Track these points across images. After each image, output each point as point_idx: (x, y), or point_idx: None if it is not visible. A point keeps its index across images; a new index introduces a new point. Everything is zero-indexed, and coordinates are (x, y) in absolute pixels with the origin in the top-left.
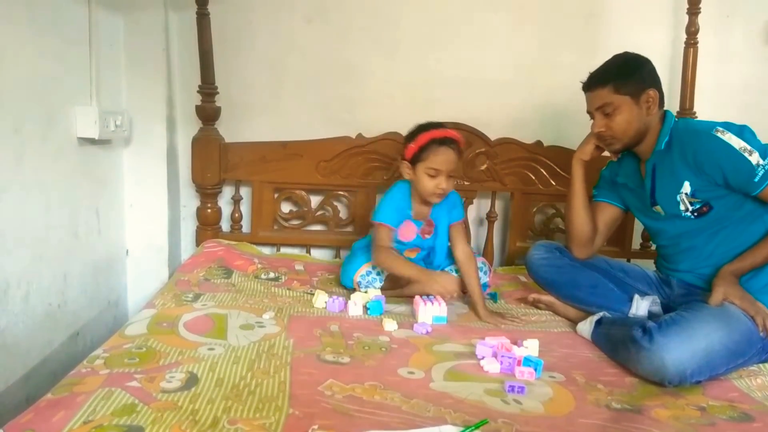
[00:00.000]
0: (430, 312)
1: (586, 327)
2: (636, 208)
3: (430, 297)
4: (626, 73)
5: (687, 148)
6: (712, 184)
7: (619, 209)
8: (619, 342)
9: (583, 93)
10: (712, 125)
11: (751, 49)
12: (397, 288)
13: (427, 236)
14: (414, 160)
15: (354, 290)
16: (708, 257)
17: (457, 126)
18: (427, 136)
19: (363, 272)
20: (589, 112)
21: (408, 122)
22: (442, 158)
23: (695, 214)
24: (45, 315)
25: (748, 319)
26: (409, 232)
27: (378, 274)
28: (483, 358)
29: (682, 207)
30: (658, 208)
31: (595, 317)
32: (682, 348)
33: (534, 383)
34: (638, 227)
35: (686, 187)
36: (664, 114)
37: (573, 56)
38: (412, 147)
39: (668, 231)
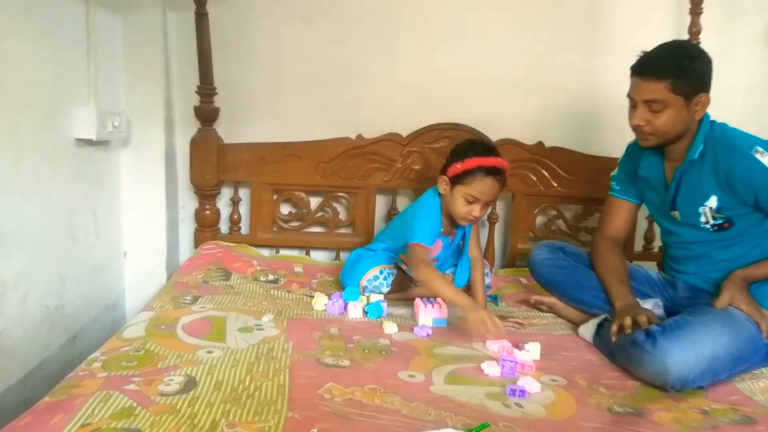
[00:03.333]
0: (431, 314)
1: (587, 330)
2: (652, 204)
3: (431, 299)
4: (688, 71)
5: (721, 163)
6: (740, 203)
7: (638, 204)
8: (621, 345)
9: (584, 90)
10: (751, 143)
11: (753, 49)
12: (401, 292)
13: (451, 237)
14: (455, 181)
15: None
16: (719, 264)
17: (457, 127)
18: (477, 162)
19: (370, 276)
20: (631, 97)
21: (408, 123)
22: (485, 188)
23: (715, 227)
24: (42, 318)
25: (753, 324)
26: (435, 248)
27: (385, 278)
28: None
29: (702, 219)
30: (675, 213)
31: (597, 320)
32: (686, 353)
33: (535, 387)
34: (640, 228)
35: (712, 202)
36: (702, 116)
37: (574, 57)
38: (458, 167)
39: (682, 236)
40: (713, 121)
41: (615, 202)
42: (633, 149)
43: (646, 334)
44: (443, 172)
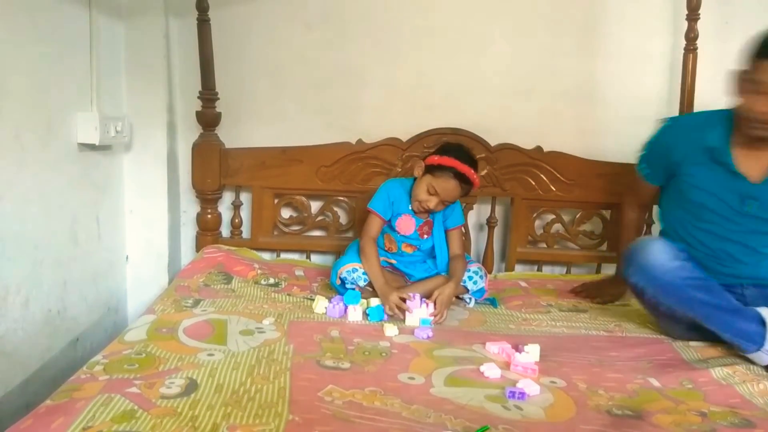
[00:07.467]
0: (417, 315)
1: None
2: (708, 180)
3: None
4: None
5: None
6: None
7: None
8: None
9: (583, 95)
10: None
11: None
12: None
13: (425, 236)
14: (428, 170)
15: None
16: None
17: (456, 132)
18: (453, 162)
19: (349, 268)
20: (761, 82)
21: (408, 128)
22: (447, 187)
23: None
24: (44, 321)
25: None
26: (407, 226)
27: (364, 272)
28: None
29: None
30: (751, 203)
31: None
32: None
33: (534, 389)
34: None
35: None
36: None
37: (573, 62)
38: (435, 159)
39: (742, 225)
40: None
41: (640, 181)
42: (688, 125)
43: None
44: (425, 158)
